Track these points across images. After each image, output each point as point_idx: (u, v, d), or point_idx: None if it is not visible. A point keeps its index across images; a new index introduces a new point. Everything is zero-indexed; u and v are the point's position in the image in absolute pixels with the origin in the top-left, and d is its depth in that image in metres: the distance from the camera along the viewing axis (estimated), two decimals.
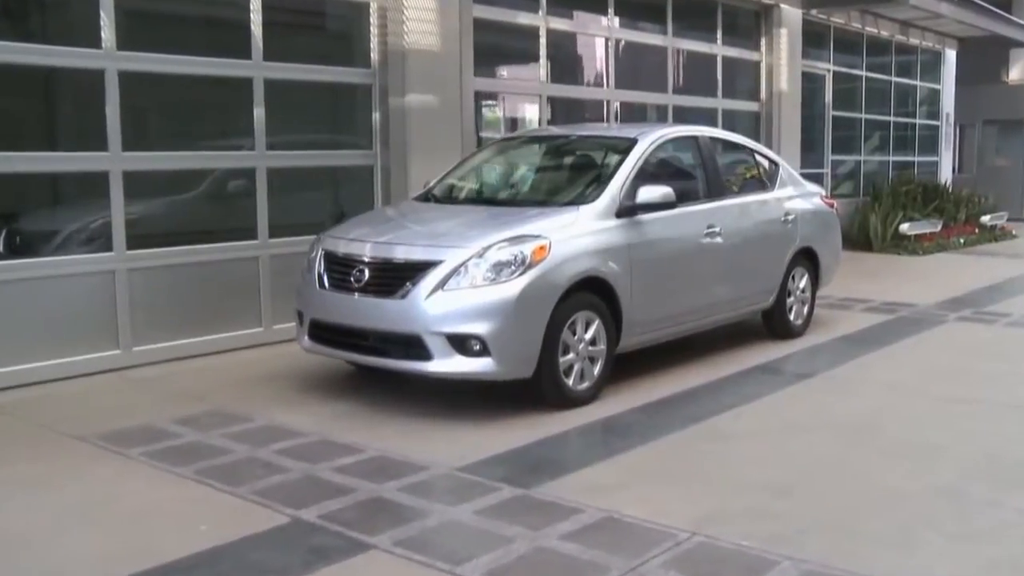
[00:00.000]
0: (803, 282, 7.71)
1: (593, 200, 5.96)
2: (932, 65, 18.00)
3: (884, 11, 14.78)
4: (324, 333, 5.78)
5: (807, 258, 7.74)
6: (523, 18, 9.25)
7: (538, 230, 5.56)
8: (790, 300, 7.55)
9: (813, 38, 13.77)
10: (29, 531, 3.91)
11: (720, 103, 12.07)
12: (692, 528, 3.87)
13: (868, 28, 15.24)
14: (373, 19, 7.84)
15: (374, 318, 5.48)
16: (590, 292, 5.68)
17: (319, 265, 5.81)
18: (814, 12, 13.44)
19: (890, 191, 15.09)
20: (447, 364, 5.28)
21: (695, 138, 7.06)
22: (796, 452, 4.92)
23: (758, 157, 7.81)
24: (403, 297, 5.34)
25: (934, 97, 18.29)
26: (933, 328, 8.16)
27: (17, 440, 5.07)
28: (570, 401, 5.58)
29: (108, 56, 6.27)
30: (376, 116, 7.93)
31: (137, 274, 6.49)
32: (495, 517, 4.00)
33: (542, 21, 9.33)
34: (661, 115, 11.19)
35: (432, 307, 5.26)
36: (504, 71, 10.24)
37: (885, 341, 7.61)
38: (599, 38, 10.48)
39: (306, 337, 5.91)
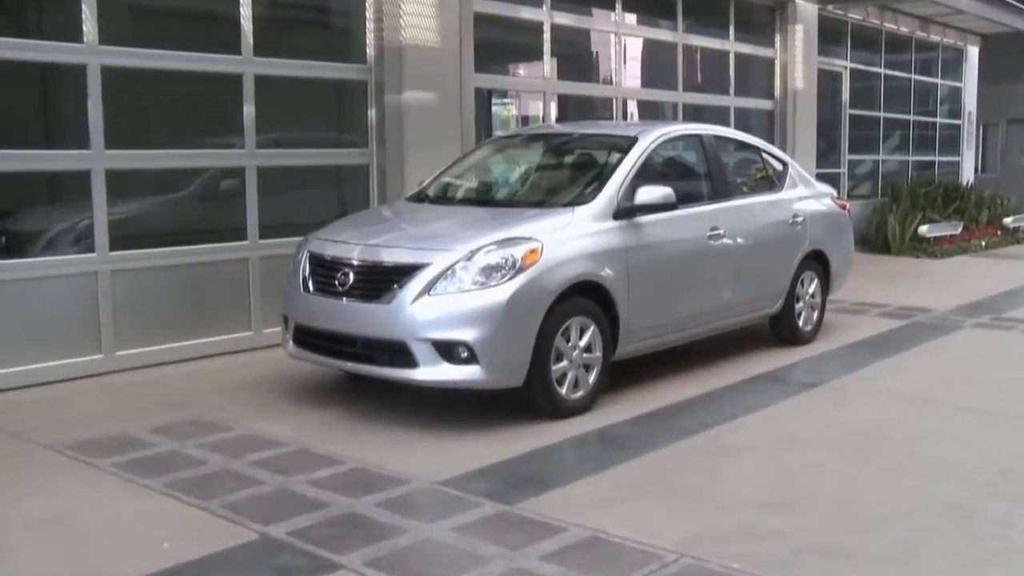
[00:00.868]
0: (813, 287, 7.45)
1: (589, 201, 5.75)
2: (954, 62, 17.66)
3: (903, 6, 14.50)
4: (309, 339, 5.60)
5: (817, 261, 7.47)
6: (526, 13, 9.00)
7: (530, 232, 5.35)
8: (799, 305, 7.29)
9: (830, 34, 13.48)
10: None
11: (733, 101, 11.81)
12: (680, 549, 3.66)
13: (887, 24, 14.93)
14: (369, 13, 7.63)
15: (359, 323, 5.29)
16: (585, 297, 5.47)
17: (304, 268, 5.63)
18: (830, 8, 13.17)
19: (909, 192, 14.79)
20: (433, 372, 5.08)
21: (699, 137, 6.82)
22: (796, 467, 4.69)
23: (766, 156, 7.56)
24: (388, 302, 5.14)
25: (956, 95, 17.95)
26: (949, 334, 7.88)
27: None
28: (563, 411, 5.36)
29: (90, 51, 6.10)
30: (372, 113, 7.72)
31: (121, 276, 6.32)
32: (473, 535, 3.82)
33: (546, 16, 9.10)
34: (672, 113, 10.94)
35: (418, 312, 5.07)
36: (507, 68, 10.04)
37: (898, 348, 7.34)
38: (606, 34, 10.23)
39: (291, 343, 5.73)
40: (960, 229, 14.36)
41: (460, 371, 5.06)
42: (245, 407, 5.59)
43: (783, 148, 11.82)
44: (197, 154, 6.94)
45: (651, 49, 10.97)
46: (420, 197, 6.52)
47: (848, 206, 8.29)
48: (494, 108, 11.04)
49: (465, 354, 5.03)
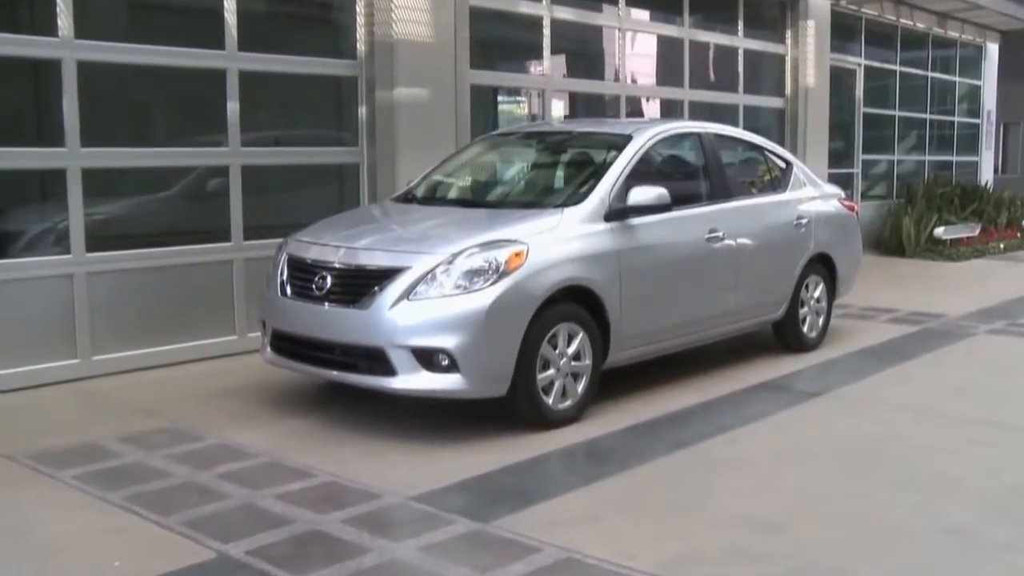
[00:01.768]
0: (818, 291, 7.18)
1: (580, 202, 5.51)
2: (972, 60, 17.28)
3: (920, 1, 14.17)
4: (287, 344, 5.39)
5: (823, 265, 7.20)
6: (524, 7, 8.76)
7: (515, 234, 5.12)
8: (803, 311, 7.02)
9: (843, 30, 13.15)
10: None
11: (742, 99, 11.51)
12: (657, 572, 3.45)
13: (903, 20, 14.58)
14: (359, 6, 7.39)
15: (337, 329, 5.07)
16: (574, 302, 5.23)
17: (282, 271, 5.43)
18: (843, 3, 12.86)
19: (925, 193, 14.46)
20: (412, 380, 4.86)
21: (698, 135, 6.57)
22: (791, 483, 4.44)
23: (769, 156, 7.29)
24: (366, 307, 4.93)
25: (975, 93, 17.57)
26: (960, 341, 7.59)
27: None
28: (550, 421, 5.13)
29: (65, 45, 5.91)
30: (362, 111, 7.49)
31: (98, 278, 6.12)
32: (441, 555, 3.61)
33: (546, 10, 8.85)
34: (677, 111, 10.67)
35: (397, 318, 4.85)
36: (506, 64, 9.78)
37: (906, 356, 7.06)
38: (610, 29, 9.97)
39: (268, 348, 5.54)
40: (978, 231, 14.05)
41: (440, 380, 4.84)
42: (221, 415, 5.39)
43: (794, 148, 11.57)
44: (178, 152, 6.73)
45: (657, 45, 10.70)
46: (407, 197, 6.30)
47: (856, 207, 7.98)
48: (504, 106, 10.78)
49: (445, 362, 4.81)
